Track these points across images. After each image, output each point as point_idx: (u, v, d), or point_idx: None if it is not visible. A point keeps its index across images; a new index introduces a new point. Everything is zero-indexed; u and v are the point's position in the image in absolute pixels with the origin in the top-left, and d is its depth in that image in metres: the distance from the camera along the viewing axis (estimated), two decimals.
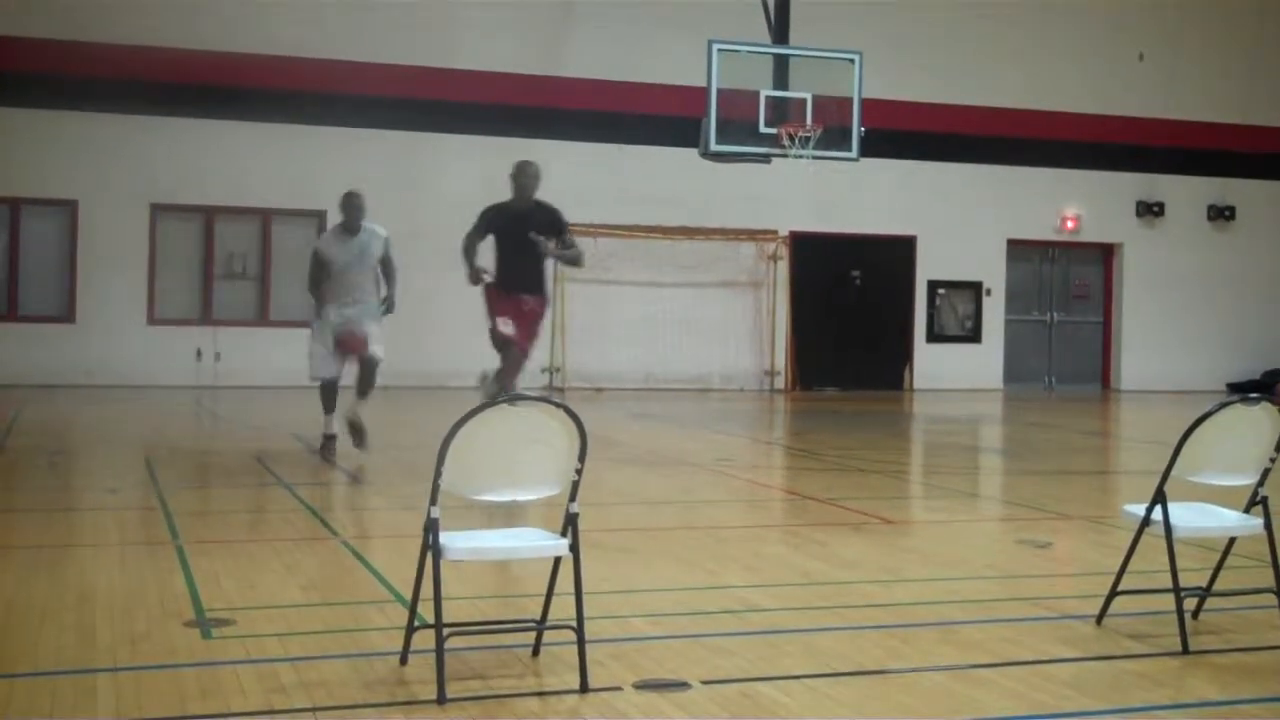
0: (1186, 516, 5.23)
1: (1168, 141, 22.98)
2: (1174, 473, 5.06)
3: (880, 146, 18.95)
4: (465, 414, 4.29)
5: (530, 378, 19.89)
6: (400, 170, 19.96)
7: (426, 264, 19.97)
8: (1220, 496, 5.44)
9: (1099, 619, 5.33)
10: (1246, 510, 5.35)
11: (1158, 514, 5.09)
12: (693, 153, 17.31)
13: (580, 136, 20.17)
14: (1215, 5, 23.40)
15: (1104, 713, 4.29)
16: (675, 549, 7.04)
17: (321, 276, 10.46)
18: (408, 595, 4.75)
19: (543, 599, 4.64)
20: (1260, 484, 5.28)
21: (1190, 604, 5.30)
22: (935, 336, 22.68)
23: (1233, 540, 5.51)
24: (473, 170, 20.01)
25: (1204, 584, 5.47)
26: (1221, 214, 23.76)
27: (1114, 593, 5.32)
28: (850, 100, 16.63)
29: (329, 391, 10.59)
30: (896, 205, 21.98)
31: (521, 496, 4.52)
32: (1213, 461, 5.10)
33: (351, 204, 10.48)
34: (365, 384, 10.51)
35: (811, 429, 16.01)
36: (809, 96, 16.50)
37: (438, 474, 4.28)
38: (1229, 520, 5.35)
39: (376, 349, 10.48)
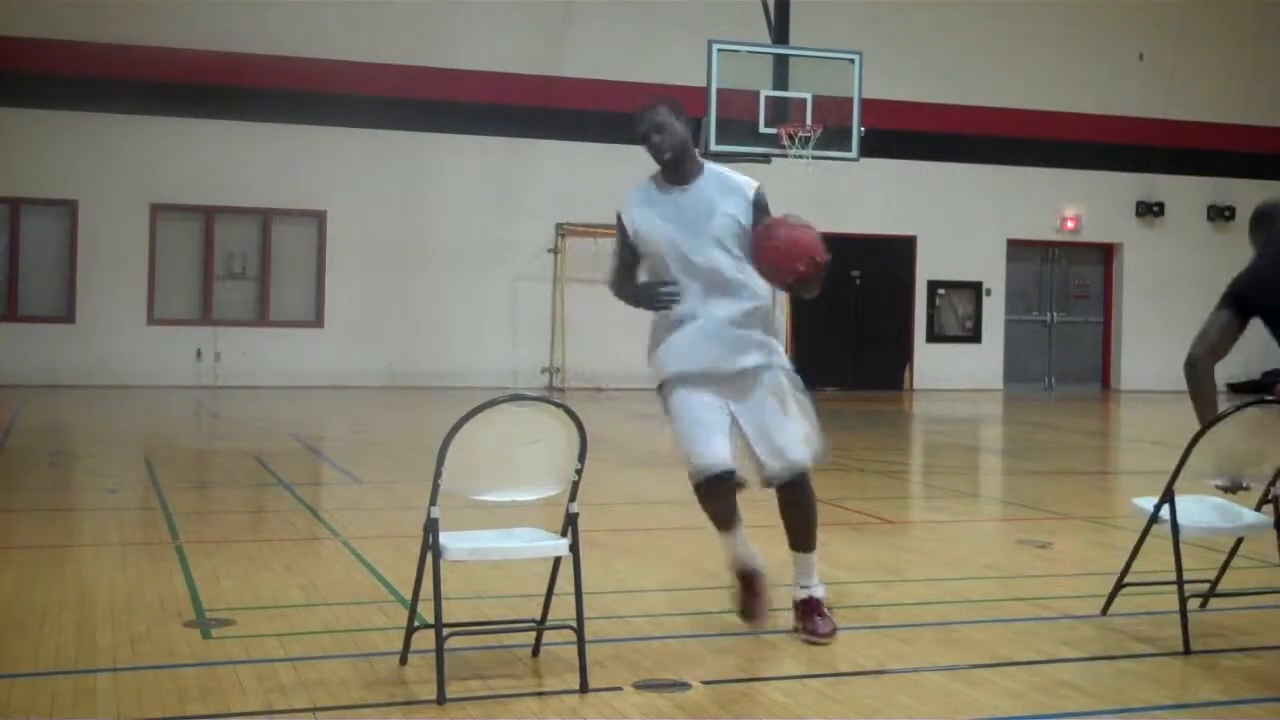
0: (1195, 513, 5.22)
1: (1168, 141, 22.98)
2: (1184, 474, 5.04)
3: (880, 146, 18.95)
4: (465, 414, 4.29)
5: (530, 378, 19.92)
6: (400, 170, 19.96)
7: (428, 263, 20.03)
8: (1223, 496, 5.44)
9: (1104, 609, 5.36)
10: (1257, 509, 5.35)
11: (1165, 512, 5.08)
12: None
13: (580, 136, 20.17)
14: (1215, 5, 23.40)
15: (1105, 713, 4.28)
16: (675, 549, 7.03)
17: (632, 266, 5.42)
18: (408, 595, 4.75)
19: (543, 599, 4.64)
20: (1272, 483, 5.27)
21: (1196, 600, 5.31)
22: (935, 336, 22.68)
23: (1240, 540, 5.52)
24: (473, 170, 20.05)
25: (1210, 580, 5.48)
26: (1221, 214, 23.75)
27: (1120, 585, 5.33)
28: (850, 100, 16.63)
29: (723, 491, 5.02)
30: (896, 205, 21.98)
31: (521, 496, 4.51)
32: (1219, 464, 5.09)
33: (665, 129, 5.07)
34: (801, 516, 5.12)
35: None
36: (809, 96, 16.49)
37: (438, 474, 4.28)
38: (1240, 519, 5.33)
39: (799, 451, 5.07)
